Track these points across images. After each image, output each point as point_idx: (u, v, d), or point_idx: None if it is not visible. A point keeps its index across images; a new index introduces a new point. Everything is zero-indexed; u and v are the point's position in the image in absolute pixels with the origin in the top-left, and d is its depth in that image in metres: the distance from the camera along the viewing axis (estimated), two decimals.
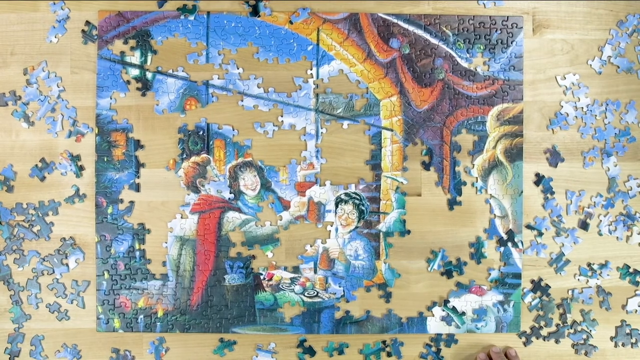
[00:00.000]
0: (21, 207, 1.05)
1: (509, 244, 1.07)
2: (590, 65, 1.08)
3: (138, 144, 1.05)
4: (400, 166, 1.07)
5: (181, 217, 1.05)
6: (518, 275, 1.07)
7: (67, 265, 1.05)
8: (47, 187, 1.05)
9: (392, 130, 1.07)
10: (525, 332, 1.07)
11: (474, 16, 1.07)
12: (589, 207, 1.08)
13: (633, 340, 1.08)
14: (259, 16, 1.06)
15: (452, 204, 1.07)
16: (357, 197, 1.06)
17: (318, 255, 1.06)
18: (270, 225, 1.06)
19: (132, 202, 1.05)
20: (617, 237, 1.08)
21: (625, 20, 1.08)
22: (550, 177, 1.08)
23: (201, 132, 1.05)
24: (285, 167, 1.06)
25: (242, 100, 1.06)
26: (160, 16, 1.05)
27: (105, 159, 1.05)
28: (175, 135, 1.05)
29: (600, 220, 1.08)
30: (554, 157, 1.08)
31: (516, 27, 1.07)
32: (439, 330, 1.07)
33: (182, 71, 1.05)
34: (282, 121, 1.06)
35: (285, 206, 1.06)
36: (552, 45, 1.08)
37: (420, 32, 1.06)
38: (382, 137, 1.07)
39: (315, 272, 1.06)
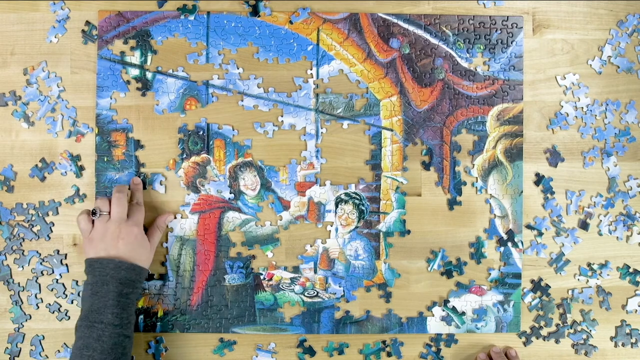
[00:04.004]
0: (21, 207, 1.05)
1: (509, 244, 1.07)
2: (590, 65, 1.08)
3: (138, 144, 1.05)
4: (400, 166, 1.07)
5: (181, 217, 1.05)
6: (518, 275, 1.07)
7: (67, 265, 1.05)
8: (47, 187, 1.05)
9: (392, 130, 1.07)
10: (525, 332, 1.07)
11: (474, 16, 1.07)
12: (589, 207, 1.08)
13: (633, 340, 1.08)
14: (259, 16, 1.06)
15: (452, 204, 1.07)
16: (357, 197, 1.06)
17: (318, 255, 1.06)
18: (270, 225, 1.06)
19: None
20: (617, 237, 1.08)
21: (625, 20, 1.08)
22: (550, 177, 1.08)
23: (201, 132, 1.05)
24: (285, 167, 1.06)
25: (242, 100, 1.06)
26: (160, 16, 1.05)
27: (105, 159, 1.05)
28: (175, 135, 1.05)
29: (600, 220, 1.08)
30: (554, 157, 1.08)
31: (516, 27, 1.07)
32: (439, 330, 1.07)
33: (182, 71, 1.05)
34: (282, 121, 1.06)
35: (285, 206, 1.06)
36: (552, 45, 1.08)
37: (420, 32, 1.06)
38: (382, 137, 1.07)
39: (315, 272, 1.06)
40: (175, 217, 1.04)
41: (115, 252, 0.93)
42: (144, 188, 1.05)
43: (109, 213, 0.96)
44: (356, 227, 1.06)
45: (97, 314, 0.90)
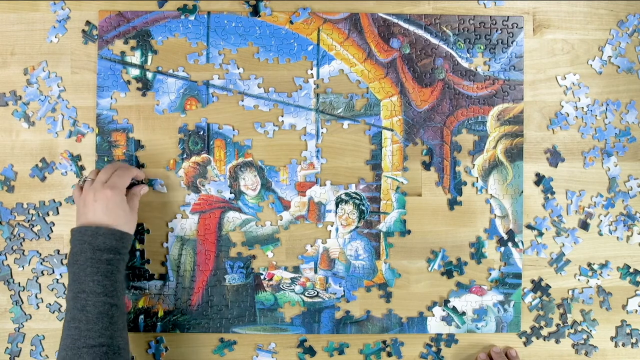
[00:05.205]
0: (21, 207, 1.05)
1: (509, 244, 1.07)
2: (591, 65, 1.08)
3: (138, 144, 1.05)
4: (400, 166, 1.07)
5: (182, 217, 1.05)
6: (518, 275, 1.07)
7: (67, 265, 1.04)
8: (48, 187, 1.05)
9: (392, 130, 1.07)
10: (526, 332, 1.07)
11: (474, 16, 1.07)
12: (589, 207, 1.08)
13: (633, 340, 1.08)
14: (260, 16, 1.06)
15: (452, 204, 1.07)
16: (358, 197, 1.06)
17: (318, 255, 1.06)
18: (271, 225, 1.06)
19: None
20: (618, 237, 1.08)
21: (625, 20, 1.08)
22: (550, 177, 1.08)
23: (201, 132, 1.05)
24: (285, 167, 1.06)
25: (242, 100, 1.06)
26: (160, 16, 1.05)
27: (106, 159, 1.05)
28: (176, 135, 1.05)
29: (601, 220, 1.08)
30: (554, 157, 1.08)
31: (516, 27, 1.07)
32: (439, 330, 1.07)
33: (183, 71, 1.05)
34: (283, 121, 1.06)
35: (286, 206, 1.06)
36: (553, 45, 1.08)
37: (420, 32, 1.06)
38: (383, 137, 1.07)
39: (315, 272, 1.06)
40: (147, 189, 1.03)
41: (93, 216, 0.90)
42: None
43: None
44: (356, 227, 1.06)
45: (79, 283, 0.87)
